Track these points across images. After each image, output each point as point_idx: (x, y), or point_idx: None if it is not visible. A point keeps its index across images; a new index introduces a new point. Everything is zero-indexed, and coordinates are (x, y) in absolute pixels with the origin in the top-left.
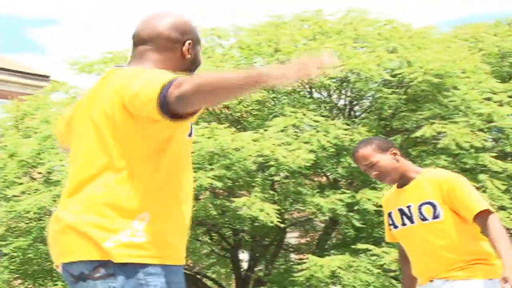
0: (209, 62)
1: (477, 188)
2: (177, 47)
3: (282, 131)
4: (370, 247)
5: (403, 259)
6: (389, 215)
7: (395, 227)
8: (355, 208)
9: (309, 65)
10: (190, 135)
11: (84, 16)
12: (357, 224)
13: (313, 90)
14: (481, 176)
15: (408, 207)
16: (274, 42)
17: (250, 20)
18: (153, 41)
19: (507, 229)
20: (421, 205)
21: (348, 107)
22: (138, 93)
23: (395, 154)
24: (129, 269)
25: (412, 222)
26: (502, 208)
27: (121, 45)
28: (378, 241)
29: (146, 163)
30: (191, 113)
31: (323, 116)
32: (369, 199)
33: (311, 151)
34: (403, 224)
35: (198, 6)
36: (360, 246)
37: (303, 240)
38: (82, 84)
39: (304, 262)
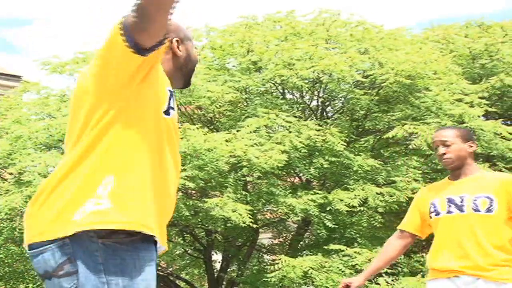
0: None
1: None
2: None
3: (254, 131)
4: (343, 247)
5: (394, 243)
6: (432, 203)
7: (437, 214)
8: (328, 208)
9: None
10: (167, 113)
11: (58, 16)
12: (330, 224)
13: (286, 91)
14: None
15: (462, 197)
16: (246, 42)
17: (222, 21)
18: None
19: None
20: (477, 197)
21: (320, 108)
22: (101, 47)
23: (470, 147)
24: (85, 240)
25: (461, 211)
26: None
27: (94, 45)
28: (350, 242)
29: (112, 119)
30: (157, 43)
31: (295, 117)
32: (341, 200)
33: (284, 151)
34: (449, 212)
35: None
36: (332, 246)
37: (276, 241)
38: (54, 84)
39: (277, 263)
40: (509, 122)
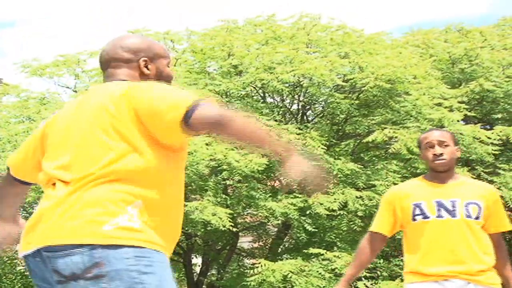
0: None
1: None
2: (133, 66)
3: None
4: (322, 251)
5: (367, 248)
6: (417, 206)
7: (425, 217)
8: (307, 212)
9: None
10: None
11: (40, 18)
12: (309, 228)
13: (266, 94)
14: None
15: (453, 202)
16: (227, 46)
17: (203, 25)
18: (111, 64)
19: None
20: (469, 203)
21: (300, 111)
22: (161, 111)
23: (458, 151)
24: (123, 252)
25: (453, 216)
26: None
27: (76, 47)
28: (330, 246)
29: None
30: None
31: (276, 120)
32: (321, 204)
33: (264, 155)
34: (439, 216)
35: (151, 9)
36: (312, 250)
37: (256, 245)
38: (34, 87)
39: (257, 267)
40: (488, 127)
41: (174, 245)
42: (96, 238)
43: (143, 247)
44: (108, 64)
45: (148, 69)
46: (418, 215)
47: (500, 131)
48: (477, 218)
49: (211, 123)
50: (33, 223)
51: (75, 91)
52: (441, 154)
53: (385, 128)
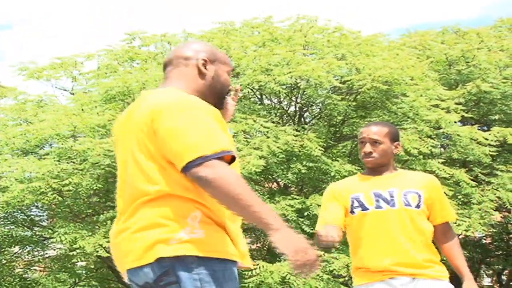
0: (160, 68)
1: None
2: (192, 64)
3: (232, 137)
4: (320, 253)
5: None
6: (354, 198)
7: (364, 209)
8: (305, 214)
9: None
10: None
11: (39, 19)
12: (308, 229)
13: (264, 96)
14: None
15: (390, 191)
16: (224, 48)
17: (200, 27)
18: (173, 62)
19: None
20: (407, 192)
21: (298, 113)
22: (170, 149)
23: (396, 147)
24: (188, 262)
25: (392, 205)
26: None
27: (76, 47)
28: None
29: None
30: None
31: (273, 122)
32: (319, 205)
33: (261, 157)
34: (378, 207)
35: (151, 10)
36: None
37: (254, 246)
38: (31, 89)
39: (255, 268)
40: (485, 128)
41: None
42: (163, 253)
43: (206, 257)
44: (170, 62)
45: (206, 68)
46: (356, 207)
47: (497, 132)
48: (417, 206)
49: (203, 184)
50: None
51: (72, 93)
52: (370, 153)
53: None
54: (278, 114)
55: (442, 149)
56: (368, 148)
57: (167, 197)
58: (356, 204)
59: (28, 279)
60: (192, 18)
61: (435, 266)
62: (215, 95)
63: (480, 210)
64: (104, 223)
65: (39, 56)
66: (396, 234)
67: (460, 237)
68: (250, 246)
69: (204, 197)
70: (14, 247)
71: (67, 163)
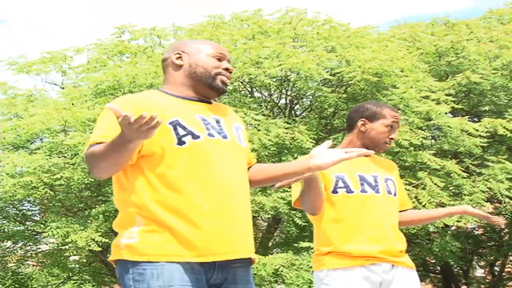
0: (149, 62)
1: (417, 185)
2: (169, 63)
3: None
4: (312, 245)
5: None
6: (339, 177)
7: (349, 191)
8: None
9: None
10: (180, 143)
11: (32, 16)
12: (300, 222)
13: (254, 89)
14: (420, 174)
15: (374, 176)
16: (214, 41)
17: (189, 20)
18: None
19: (446, 226)
20: (387, 179)
21: (288, 106)
22: None
23: None
24: (125, 265)
25: (377, 192)
26: (441, 205)
27: (66, 44)
28: None
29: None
30: None
31: (264, 115)
32: None
33: (253, 149)
34: (363, 191)
35: (151, 9)
36: (302, 244)
37: None
38: (21, 84)
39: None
40: (475, 119)
41: (218, 243)
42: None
43: (137, 261)
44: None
45: (181, 60)
46: (340, 187)
47: (488, 123)
48: (395, 194)
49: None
50: None
51: (62, 88)
52: (392, 139)
53: None
54: (268, 107)
55: (433, 140)
56: (393, 134)
57: (119, 204)
58: (340, 184)
59: (21, 274)
60: (192, 17)
61: (406, 255)
62: (199, 80)
63: (471, 201)
64: (96, 217)
65: (36, 53)
66: (381, 221)
67: (452, 228)
68: None
69: (143, 198)
70: (7, 242)
71: (58, 157)
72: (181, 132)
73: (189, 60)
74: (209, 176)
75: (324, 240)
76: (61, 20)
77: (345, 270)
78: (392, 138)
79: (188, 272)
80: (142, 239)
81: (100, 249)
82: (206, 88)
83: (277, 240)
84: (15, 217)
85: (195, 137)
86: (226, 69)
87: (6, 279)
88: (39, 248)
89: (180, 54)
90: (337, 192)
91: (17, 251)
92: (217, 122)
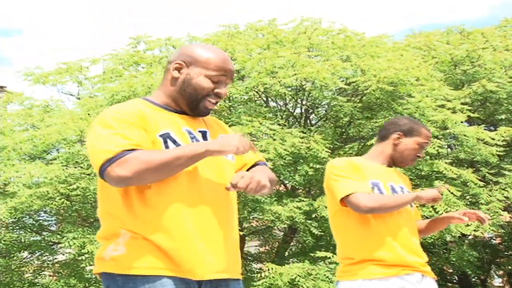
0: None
1: None
2: (170, 68)
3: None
4: (329, 254)
5: None
6: (375, 184)
7: None
8: (313, 216)
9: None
10: None
11: (48, 26)
12: (316, 231)
13: (269, 99)
14: (437, 183)
15: (402, 188)
16: (229, 51)
17: (204, 30)
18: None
19: (463, 235)
20: (408, 192)
21: (304, 115)
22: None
23: None
24: (105, 277)
25: None
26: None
27: (76, 48)
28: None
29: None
30: None
31: (279, 124)
32: (326, 207)
33: (268, 159)
34: None
35: (151, 9)
36: (319, 253)
37: (262, 249)
38: (37, 94)
39: (264, 271)
40: (491, 128)
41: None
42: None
43: (127, 274)
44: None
45: (179, 72)
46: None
47: (504, 132)
48: (412, 207)
49: (127, 177)
50: None
51: (78, 98)
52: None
53: None
54: (284, 116)
55: (449, 149)
56: (423, 153)
57: (104, 215)
58: (376, 191)
59: (37, 284)
60: (192, 17)
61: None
62: (186, 99)
63: (488, 210)
64: None
65: (49, 63)
66: (409, 231)
67: (470, 237)
68: (258, 249)
69: (131, 213)
70: (23, 252)
71: (75, 167)
72: (171, 145)
73: (186, 76)
74: (191, 193)
75: (356, 247)
76: (61, 23)
77: (381, 280)
78: (419, 157)
79: (179, 283)
80: (128, 251)
81: None
82: (188, 108)
83: (293, 249)
84: (32, 228)
85: None
86: (217, 94)
87: None
88: (55, 259)
89: (181, 65)
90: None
91: (34, 262)
92: (203, 135)
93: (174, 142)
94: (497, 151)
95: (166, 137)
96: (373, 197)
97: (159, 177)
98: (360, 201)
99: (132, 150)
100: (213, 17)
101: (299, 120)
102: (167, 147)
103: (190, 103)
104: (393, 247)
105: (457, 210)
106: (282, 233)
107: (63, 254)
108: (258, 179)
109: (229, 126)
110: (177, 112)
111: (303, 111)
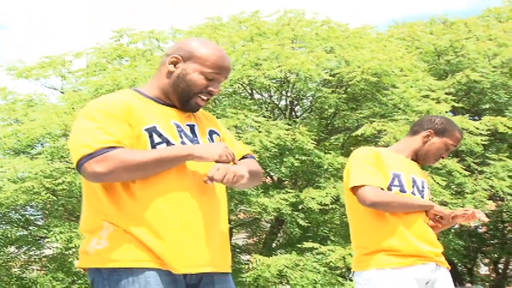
0: (149, 65)
1: None
2: (166, 60)
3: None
4: (316, 245)
5: None
6: (396, 175)
7: (402, 191)
8: (300, 207)
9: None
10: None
11: (32, 20)
12: (303, 223)
13: (254, 91)
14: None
15: (423, 182)
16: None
17: (190, 20)
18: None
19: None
20: (428, 187)
21: (289, 107)
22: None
23: None
24: (97, 274)
25: (422, 196)
26: (443, 203)
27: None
28: (323, 240)
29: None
30: None
31: (264, 117)
32: (313, 198)
33: (254, 151)
34: (413, 193)
35: (151, 9)
36: (306, 244)
37: (250, 241)
38: (21, 89)
39: (252, 263)
40: (476, 117)
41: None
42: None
43: (111, 267)
44: None
45: (175, 67)
46: (395, 186)
47: (488, 121)
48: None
49: (103, 174)
50: None
51: (62, 92)
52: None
53: (374, 121)
54: (269, 108)
55: None
56: (446, 156)
57: (87, 207)
58: (396, 182)
59: (25, 279)
60: (193, 17)
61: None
62: (178, 94)
63: (473, 199)
64: None
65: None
66: (423, 221)
67: (456, 226)
68: (246, 241)
69: (114, 206)
70: (10, 247)
71: (60, 162)
72: (156, 139)
73: (182, 71)
74: (178, 187)
75: (369, 237)
76: (61, 23)
77: (394, 270)
78: (442, 157)
79: (163, 274)
80: (111, 244)
81: None
82: (179, 103)
83: (280, 241)
84: (18, 222)
85: (170, 145)
86: (209, 92)
87: (10, 284)
88: (42, 253)
89: (178, 60)
90: (390, 190)
91: (21, 256)
92: (191, 129)
93: (160, 135)
94: (481, 140)
95: (151, 131)
96: (381, 193)
97: (136, 177)
98: (366, 194)
99: (112, 147)
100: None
101: (284, 112)
102: (152, 141)
103: (181, 98)
104: (406, 237)
105: (442, 199)
106: (269, 225)
107: (50, 249)
108: (234, 170)
109: None
110: (166, 105)
111: (288, 103)
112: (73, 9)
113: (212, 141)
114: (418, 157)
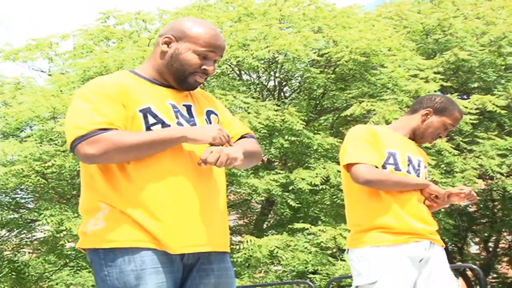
0: (136, 47)
1: None
2: (159, 41)
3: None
4: (307, 226)
5: None
6: (391, 154)
7: (397, 169)
8: (290, 188)
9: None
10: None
11: (39, 18)
12: (293, 204)
13: (242, 72)
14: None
15: (419, 161)
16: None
17: (175, 3)
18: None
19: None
20: (425, 166)
21: (277, 88)
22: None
23: None
24: (94, 254)
25: (418, 175)
26: (433, 182)
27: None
28: (314, 220)
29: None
30: None
31: (253, 98)
32: (303, 179)
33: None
34: (408, 172)
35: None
36: (297, 225)
37: (241, 222)
38: (8, 72)
39: (243, 243)
40: (464, 96)
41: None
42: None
43: (108, 247)
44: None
45: (168, 46)
46: (390, 164)
47: (477, 100)
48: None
49: (95, 155)
50: None
51: (50, 75)
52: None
53: (363, 101)
54: (257, 89)
55: None
56: (444, 134)
57: (85, 187)
58: (391, 161)
59: (17, 262)
60: (180, 0)
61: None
62: (173, 74)
63: (463, 178)
64: None
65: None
66: (418, 200)
67: (446, 206)
68: (237, 222)
69: (110, 187)
70: (1, 230)
71: (49, 145)
72: (151, 120)
73: (175, 51)
74: (173, 168)
75: (364, 214)
76: (61, 23)
77: (388, 247)
78: (440, 137)
79: (159, 254)
80: (108, 225)
81: None
82: (175, 83)
83: (271, 222)
84: (9, 206)
85: (165, 126)
86: (204, 71)
87: (2, 267)
88: (34, 236)
89: (171, 39)
90: (385, 168)
91: (12, 240)
92: (188, 109)
93: (155, 116)
94: (470, 119)
95: (146, 112)
96: (374, 171)
97: (129, 158)
98: (360, 172)
99: (105, 129)
100: None
101: (273, 93)
102: (147, 122)
103: (177, 78)
104: (400, 215)
105: (432, 178)
106: (260, 206)
107: (42, 232)
108: (227, 153)
109: None
110: (163, 86)
111: (276, 83)
112: (73, 9)
113: (210, 121)
114: (415, 136)
